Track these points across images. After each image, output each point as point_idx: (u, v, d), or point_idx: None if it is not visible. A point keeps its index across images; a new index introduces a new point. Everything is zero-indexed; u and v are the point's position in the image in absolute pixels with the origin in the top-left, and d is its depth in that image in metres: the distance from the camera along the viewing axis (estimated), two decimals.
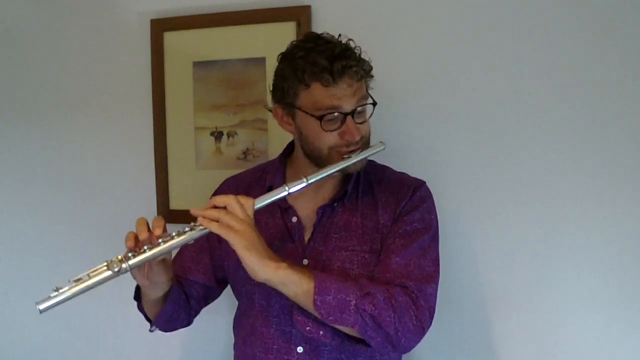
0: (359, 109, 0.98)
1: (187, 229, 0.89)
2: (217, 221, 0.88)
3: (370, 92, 1.02)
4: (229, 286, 1.16)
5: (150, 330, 1.10)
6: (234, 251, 0.88)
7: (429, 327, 0.97)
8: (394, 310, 0.92)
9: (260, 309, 1.05)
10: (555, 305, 1.32)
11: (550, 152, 1.31)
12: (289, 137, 1.12)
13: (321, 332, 0.99)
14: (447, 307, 1.27)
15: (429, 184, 1.10)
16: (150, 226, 0.91)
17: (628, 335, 1.28)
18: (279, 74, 1.02)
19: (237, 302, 1.15)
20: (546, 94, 1.30)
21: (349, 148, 0.99)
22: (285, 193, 0.94)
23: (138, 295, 1.07)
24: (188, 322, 1.14)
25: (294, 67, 0.97)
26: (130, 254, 0.87)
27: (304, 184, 0.95)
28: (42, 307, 0.82)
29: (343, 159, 0.98)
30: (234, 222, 0.88)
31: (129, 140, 1.57)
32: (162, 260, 0.93)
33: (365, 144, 1.01)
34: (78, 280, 0.84)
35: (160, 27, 1.50)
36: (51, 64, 1.62)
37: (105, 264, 0.86)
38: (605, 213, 1.28)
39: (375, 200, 1.06)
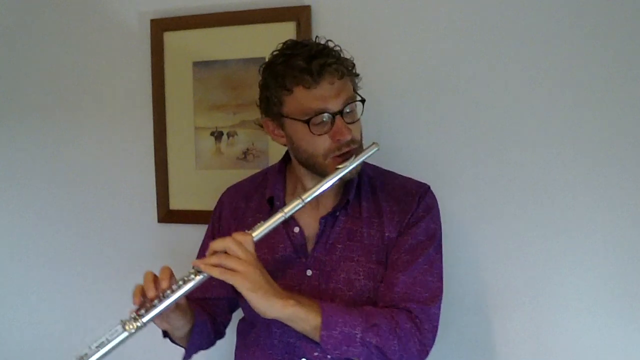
0: (347, 109, 0.97)
1: (192, 276, 0.89)
2: (219, 266, 0.88)
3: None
4: None
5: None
6: None
7: (432, 346, 0.99)
8: (399, 340, 0.93)
9: (264, 320, 1.02)
10: (555, 305, 1.32)
11: (550, 152, 1.30)
12: None
13: (329, 357, 0.99)
14: (447, 308, 1.26)
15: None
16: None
17: (628, 335, 1.28)
18: (262, 85, 1.01)
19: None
20: (546, 93, 1.30)
21: (341, 151, 0.97)
22: (282, 218, 0.93)
23: (165, 332, 1.07)
24: (221, 336, 1.17)
25: (275, 75, 0.97)
26: (142, 311, 0.89)
27: (300, 205, 0.93)
28: None
29: (337, 169, 0.96)
30: (235, 264, 0.87)
31: (129, 140, 1.57)
32: (176, 306, 0.93)
33: (358, 146, 1.00)
34: (100, 345, 0.87)
35: (160, 27, 1.50)
36: (51, 63, 1.62)
37: (121, 324, 0.87)
38: (606, 213, 1.28)
39: (379, 209, 1.05)
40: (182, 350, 1.09)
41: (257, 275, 0.88)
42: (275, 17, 1.41)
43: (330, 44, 1.00)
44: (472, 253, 1.36)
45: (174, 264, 0.95)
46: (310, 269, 1.02)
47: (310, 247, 1.04)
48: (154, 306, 0.88)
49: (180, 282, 0.89)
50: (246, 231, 0.91)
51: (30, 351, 1.69)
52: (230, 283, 0.87)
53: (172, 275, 0.91)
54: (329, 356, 0.99)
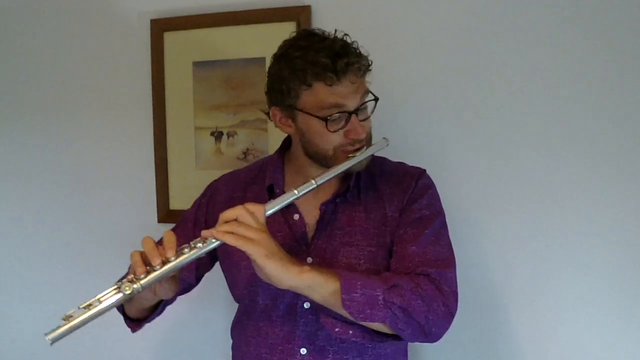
0: (361, 106, 0.97)
1: (199, 244, 0.87)
2: (232, 233, 0.85)
3: (370, 89, 1.01)
4: (227, 289, 1.13)
5: (134, 331, 1.07)
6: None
7: (456, 311, 0.97)
8: (422, 299, 0.91)
9: (264, 309, 1.03)
10: (556, 305, 1.32)
11: (552, 151, 1.31)
12: None
13: (350, 332, 0.97)
14: None
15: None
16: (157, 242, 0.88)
17: (629, 335, 1.28)
18: (275, 75, 0.99)
19: (235, 304, 1.13)
20: (551, 93, 1.30)
21: (354, 146, 0.97)
22: (294, 197, 0.92)
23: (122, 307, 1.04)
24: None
25: (293, 67, 0.95)
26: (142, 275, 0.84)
27: (313, 186, 0.93)
28: (51, 337, 0.78)
29: (348, 158, 0.97)
30: (249, 232, 0.85)
31: (129, 140, 1.57)
32: (172, 277, 0.90)
33: (368, 141, 1.01)
34: (88, 306, 0.81)
35: (160, 27, 1.50)
36: (51, 63, 1.62)
37: (116, 286, 0.83)
38: (606, 213, 1.28)
39: (379, 193, 1.05)
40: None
41: (272, 243, 0.86)
42: (275, 17, 1.41)
43: (348, 40, 0.98)
44: (472, 253, 1.36)
45: None
46: (310, 256, 1.01)
47: (310, 234, 1.04)
48: (154, 270, 0.84)
49: (185, 249, 0.86)
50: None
51: (30, 351, 1.69)
52: (244, 250, 0.84)
53: (176, 243, 0.87)
54: (328, 347, 0.98)
